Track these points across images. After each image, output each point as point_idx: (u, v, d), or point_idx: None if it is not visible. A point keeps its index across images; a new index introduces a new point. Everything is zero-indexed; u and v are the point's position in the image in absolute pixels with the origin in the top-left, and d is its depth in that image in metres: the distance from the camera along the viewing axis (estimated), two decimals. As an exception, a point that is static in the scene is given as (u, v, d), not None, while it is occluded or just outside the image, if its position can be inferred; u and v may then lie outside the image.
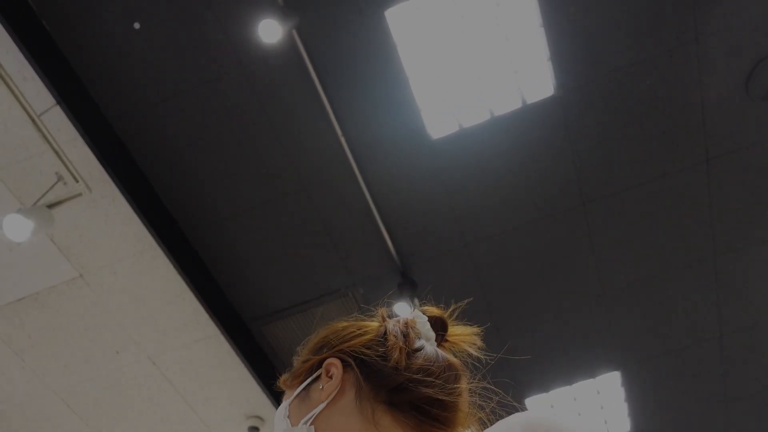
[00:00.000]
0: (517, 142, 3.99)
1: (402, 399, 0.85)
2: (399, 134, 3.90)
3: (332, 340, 0.94)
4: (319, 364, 0.91)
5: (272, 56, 3.56)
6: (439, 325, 0.99)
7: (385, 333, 0.92)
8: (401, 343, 0.89)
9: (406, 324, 0.94)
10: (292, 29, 3.33)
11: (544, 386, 5.31)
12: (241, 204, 4.10)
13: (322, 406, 0.86)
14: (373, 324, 0.96)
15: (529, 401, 5.37)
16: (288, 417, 0.89)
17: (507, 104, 3.86)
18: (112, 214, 4.12)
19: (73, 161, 3.79)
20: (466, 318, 1.01)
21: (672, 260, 4.57)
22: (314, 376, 0.91)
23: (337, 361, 0.89)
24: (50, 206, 3.24)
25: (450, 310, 1.03)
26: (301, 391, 0.91)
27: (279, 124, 3.82)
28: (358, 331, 0.93)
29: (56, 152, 3.21)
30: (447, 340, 1.00)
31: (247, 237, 4.24)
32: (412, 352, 0.89)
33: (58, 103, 3.42)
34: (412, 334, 0.92)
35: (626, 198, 4.24)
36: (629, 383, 5.31)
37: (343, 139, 3.85)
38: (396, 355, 0.88)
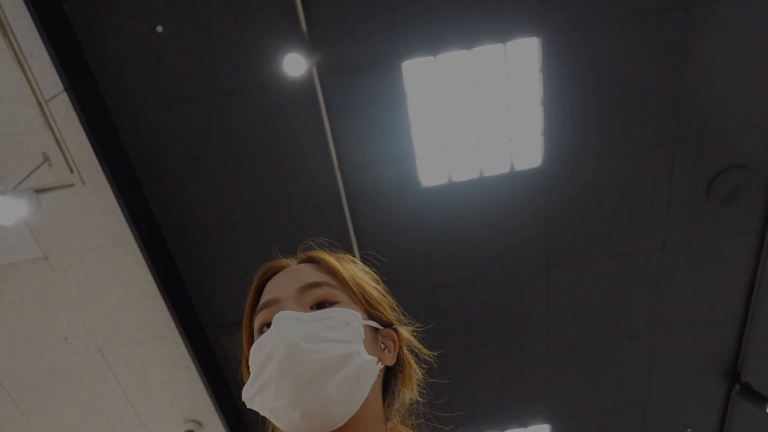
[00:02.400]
0: (498, 202, 4.23)
1: (395, 379, 0.90)
2: (392, 175, 4.06)
3: (393, 314, 0.94)
4: (386, 324, 0.90)
5: (287, 83, 3.66)
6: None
7: (402, 361, 0.94)
8: (417, 379, 0.95)
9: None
10: (313, 65, 3.44)
11: (478, 428, 5.55)
12: (226, 216, 4.14)
13: (380, 366, 0.83)
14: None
15: (462, 441, 5.59)
16: (364, 339, 0.81)
17: (496, 167, 4.10)
18: (92, 203, 4.07)
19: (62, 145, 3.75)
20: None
21: (615, 331, 4.93)
22: (380, 327, 0.88)
23: (398, 343, 0.90)
24: (39, 191, 3.18)
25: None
26: (372, 327, 0.85)
27: (279, 148, 3.91)
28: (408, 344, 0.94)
29: (57, 139, 3.18)
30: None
31: (224, 248, 4.28)
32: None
33: (66, 89, 3.39)
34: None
35: (586, 269, 4.56)
36: (556, 437, 5.63)
37: (338, 173, 3.98)
38: (409, 388, 0.96)
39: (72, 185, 3.44)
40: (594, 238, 4.43)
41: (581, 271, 4.56)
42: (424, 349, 1.02)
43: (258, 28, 3.53)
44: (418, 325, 1.04)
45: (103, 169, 3.70)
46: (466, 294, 4.61)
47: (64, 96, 3.52)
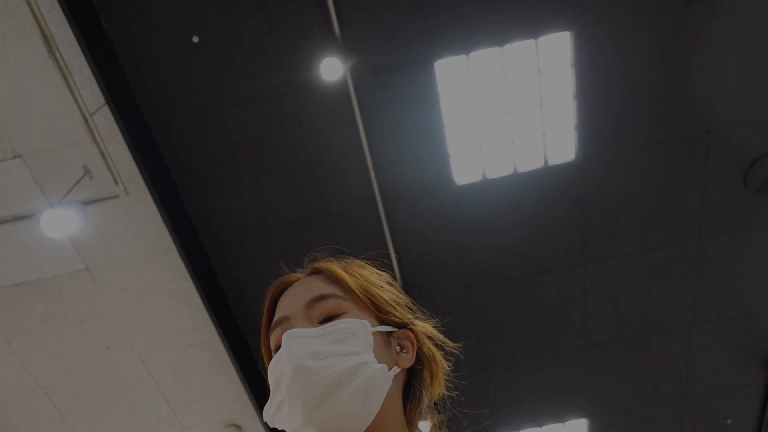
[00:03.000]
0: (533, 198, 4.23)
1: (418, 380, 0.85)
2: (427, 175, 4.08)
3: (413, 315, 0.90)
4: (400, 325, 0.85)
5: (321, 88, 3.70)
6: None
7: (424, 359, 0.90)
8: (445, 373, 0.91)
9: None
10: (348, 68, 3.48)
11: (515, 425, 5.55)
12: (263, 221, 4.19)
13: (397, 369, 0.80)
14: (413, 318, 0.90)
15: (499, 439, 5.60)
16: (373, 348, 0.78)
17: (530, 162, 4.11)
18: (132, 213, 4.14)
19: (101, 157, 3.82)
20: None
21: (651, 324, 4.90)
22: (394, 330, 0.84)
23: (415, 343, 0.86)
24: (85, 204, 3.24)
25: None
26: (383, 332, 0.82)
27: (314, 151, 3.95)
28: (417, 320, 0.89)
29: (101, 152, 3.25)
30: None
31: (262, 252, 4.33)
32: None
33: (107, 102, 3.46)
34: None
35: (622, 263, 4.54)
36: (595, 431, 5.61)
37: (372, 173, 4.01)
38: (436, 384, 0.91)
39: (117, 196, 3.51)
40: (629, 231, 4.41)
41: (617, 265, 4.55)
42: (449, 342, 0.97)
43: (292, 33, 3.57)
44: (437, 320, 1.00)
45: (144, 180, 3.76)
46: (501, 291, 4.62)
47: (105, 109, 3.59)
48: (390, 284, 0.93)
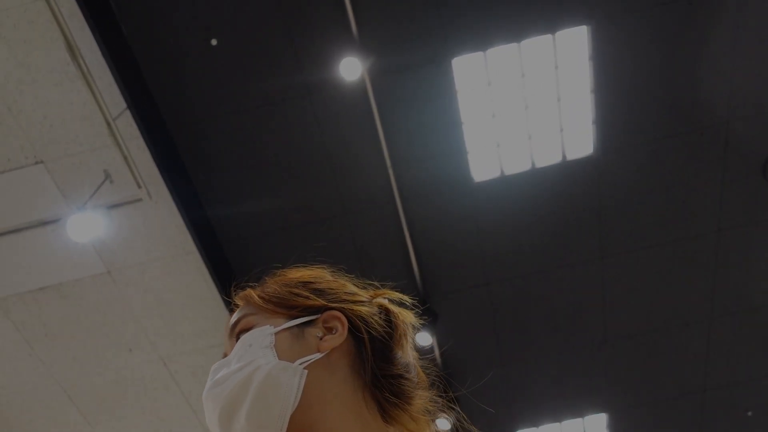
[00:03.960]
0: (551, 193, 4.23)
1: (384, 392, 0.78)
2: (445, 173, 4.09)
3: (337, 292, 0.83)
4: (318, 310, 0.80)
5: (339, 87, 3.71)
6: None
7: (388, 314, 0.84)
8: (407, 331, 0.83)
9: (403, 314, 0.86)
10: (366, 68, 3.49)
11: (534, 421, 5.55)
12: (282, 222, 4.21)
13: (318, 355, 0.75)
14: (365, 294, 0.87)
15: (519, 435, 5.60)
16: (274, 346, 0.75)
17: (548, 158, 4.11)
18: (151, 216, 4.17)
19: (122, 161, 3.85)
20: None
21: (672, 317, 4.89)
22: (311, 318, 0.79)
23: (344, 319, 0.79)
24: (109, 208, 3.27)
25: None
26: (293, 327, 0.78)
27: (333, 151, 3.96)
28: (362, 298, 0.84)
29: (125, 156, 3.27)
30: None
31: (282, 253, 4.34)
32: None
33: (128, 107, 3.48)
34: (410, 326, 0.86)
35: (641, 257, 4.53)
36: (614, 426, 5.60)
37: (391, 172, 4.02)
38: (402, 343, 0.82)
39: (140, 200, 3.53)
40: (648, 224, 4.40)
41: (636, 259, 4.54)
42: (406, 298, 0.89)
43: (309, 34, 3.58)
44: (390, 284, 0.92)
45: (165, 183, 3.79)
46: (520, 287, 4.62)
47: (125, 114, 3.62)
48: (316, 276, 0.88)
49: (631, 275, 4.61)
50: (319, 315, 0.79)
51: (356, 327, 0.79)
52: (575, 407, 5.47)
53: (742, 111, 3.99)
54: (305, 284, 0.84)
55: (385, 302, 0.86)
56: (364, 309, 0.81)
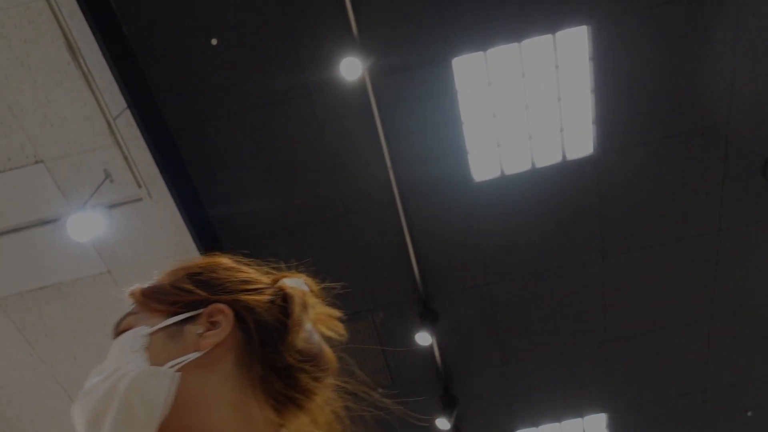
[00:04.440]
0: (551, 193, 4.23)
1: (279, 384, 0.72)
2: (445, 173, 4.09)
3: (225, 283, 0.76)
4: (202, 303, 0.73)
5: (340, 87, 3.71)
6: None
7: (286, 299, 0.76)
8: (304, 321, 0.75)
9: (305, 296, 0.79)
10: (367, 68, 3.49)
11: (534, 421, 5.55)
12: (283, 221, 4.21)
13: (196, 354, 0.69)
14: (264, 280, 0.79)
15: (519, 435, 5.60)
16: (146, 349, 0.69)
17: (548, 157, 4.10)
18: (151, 216, 4.17)
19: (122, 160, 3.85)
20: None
21: (672, 317, 4.89)
22: (192, 313, 0.73)
23: (229, 311, 0.72)
24: (109, 207, 3.27)
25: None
26: (171, 325, 0.72)
27: (333, 151, 3.96)
28: (257, 286, 0.77)
29: (125, 156, 3.27)
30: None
31: (281, 253, 4.34)
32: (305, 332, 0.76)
33: (129, 106, 3.48)
34: (311, 309, 0.79)
35: (641, 256, 4.53)
36: (614, 426, 5.60)
37: (391, 172, 4.02)
38: (295, 333, 0.74)
39: (140, 200, 3.53)
40: (648, 224, 4.40)
41: (637, 259, 4.54)
42: (313, 285, 0.83)
43: (310, 34, 3.58)
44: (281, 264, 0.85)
45: (165, 182, 3.79)
46: (520, 287, 4.62)
47: (125, 113, 3.62)
48: (207, 266, 0.80)
49: (632, 275, 4.61)
50: (203, 309, 0.73)
51: (245, 318, 0.73)
52: (575, 407, 5.47)
53: (743, 111, 3.99)
54: (192, 276, 0.77)
55: (287, 286, 0.79)
56: (254, 298, 0.74)
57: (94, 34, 3.27)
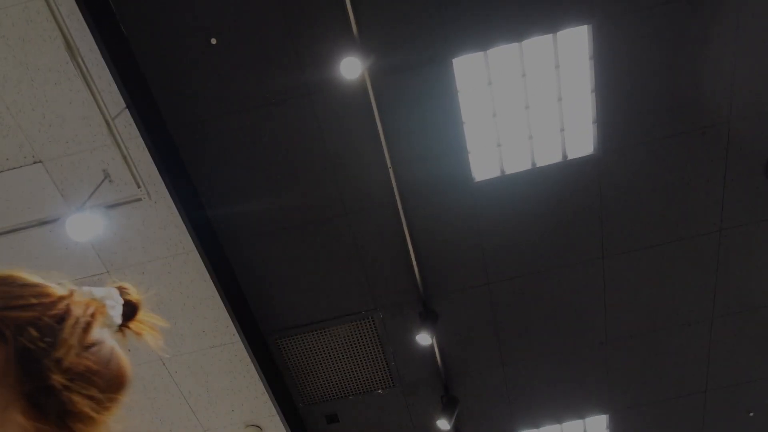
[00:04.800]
0: (551, 192, 4.21)
1: (48, 402, 0.67)
2: (445, 173, 4.07)
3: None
4: None
5: (339, 87, 3.70)
6: (130, 312, 0.82)
7: (64, 318, 0.72)
8: (77, 339, 0.71)
9: (94, 313, 0.75)
10: (367, 68, 3.47)
11: (535, 422, 5.53)
12: (282, 222, 4.19)
13: None
14: (53, 292, 0.75)
15: (520, 435, 5.58)
16: None
17: (549, 157, 4.09)
18: (151, 216, 4.16)
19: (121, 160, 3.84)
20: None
21: (673, 317, 4.87)
22: None
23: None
24: (109, 207, 3.26)
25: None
26: None
27: (333, 151, 3.95)
28: (33, 301, 0.72)
29: (124, 156, 3.26)
30: (129, 327, 0.83)
31: (281, 253, 4.33)
32: (86, 348, 0.72)
33: (128, 106, 3.47)
34: (95, 325, 0.74)
35: (642, 256, 4.52)
36: (615, 427, 5.58)
37: (391, 172, 4.00)
38: (64, 351, 0.69)
39: (139, 200, 3.52)
40: (649, 224, 4.38)
41: (637, 259, 4.52)
42: (134, 294, 0.81)
43: (310, 34, 3.57)
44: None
45: (164, 182, 3.77)
46: (521, 287, 4.60)
47: (125, 113, 3.61)
48: None
49: (632, 275, 4.60)
50: None
51: (5, 336, 0.68)
52: (576, 408, 5.45)
53: (744, 110, 3.97)
54: None
55: (75, 301, 0.74)
56: (17, 315, 0.69)
57: (93, 33, 3.26)
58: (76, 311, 0.73)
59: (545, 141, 4.04)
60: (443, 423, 4.83)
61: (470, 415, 5.37)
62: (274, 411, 5.10)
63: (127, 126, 3.75)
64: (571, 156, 4.09)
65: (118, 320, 0.79)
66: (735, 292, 4.75)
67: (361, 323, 4.71)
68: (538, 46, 3.70)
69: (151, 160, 3.77)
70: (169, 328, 4.65)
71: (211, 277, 4.19)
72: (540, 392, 5.29)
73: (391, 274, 4.50)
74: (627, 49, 3.73)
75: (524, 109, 3.92)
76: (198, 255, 4.16)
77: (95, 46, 3.38)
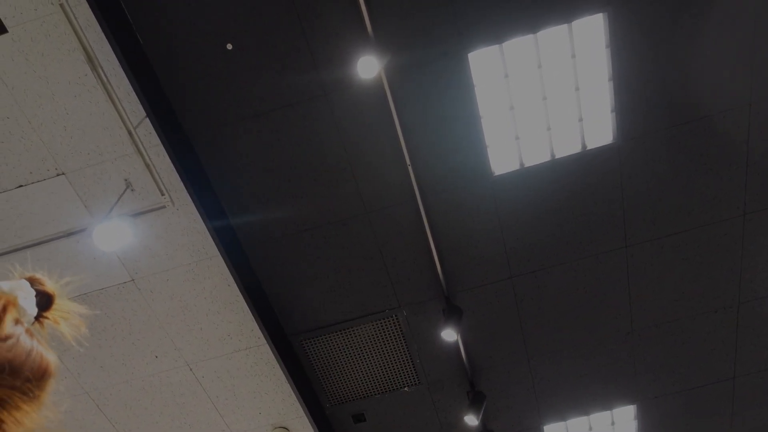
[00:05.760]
0: (572, 183, 4.19)
1: None
2: (464, 168, 4.06)
3: None
4: None
5: (356, 87, 3.70)
6: (44, 302, 0.81)
7: None
8: None
9: (5, 306, 0.75)
10: (383, 66, 3.47)
11: (561, 415, 5.50)
12: (303, 223, 4.21)
13: None
14: None
15: (547, 428, 5.56)
16: None
17: (568, 148, 4.06)
18: (173, 223, 4.19)
19: (142, 169, 3.87)
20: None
21: (699, 304, 4.82)
22: None
23: None
24: (134, 216, 3.29)
25: (61, 283, 0.85)
26: None
27: (351, 151, 3.95)
28: None
29: (147, 164, 3.28)
30: (46, 317, 0.82)
31: (303, 254, 4.35)
32: (1, 341, 0.72)
33: (148, 115, 3.50)
34: (8, 319, 0.74)
35: (666, 244, 4.48)
36: (643, 417, 5.54)
37: (410, 169, 4.00)
38: None
39: (163, 207, 3.54)
40: (672, 211, 4.34)
41: (661, 246, 4.48)
42: (48, 285, 0.80)
43: (324, 34, 3.57)
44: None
45: (186, 189, 3.80)
46: (544, 280, 4.58)
47: (145, 122, 3.64)
48: None
49: (656, 263, 4.56)
50: None
51: None
52: (603, 399, 5.42)
53: (765, 92, 3.92)
54: None
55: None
56: None
57: (111, 44, 3.28)
58: None
59: (564, 132, 4.01)
60: (471, 418, 4.82)
61: (496, 409, 5.36)
62: (301, 412, 5.12)
63: (146, 135, 3.78)
64: (590, 146, 4.06)
65: (33, 311, 0.78)
66: (761, 276, 4.69)
67: (385, 322, 4.72)
68: (553, 36, 3.68)
69: (170, 167, 3.80)
70: (195, 333, 4.68)
71: (235, 282, 4.22)
72: (566, 385, 5.26)
73: (413, 272, 4.50)
74: (644, 35, 3.70)
75: (542, 101, 3.90)
76: (221, 260, 4.19)
77: (111, 57, 3.41)
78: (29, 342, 0.75)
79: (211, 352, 4.78)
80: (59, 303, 0.82)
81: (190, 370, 4.88)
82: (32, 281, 0.80)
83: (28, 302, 0.78)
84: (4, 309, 0.73)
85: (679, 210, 4.34)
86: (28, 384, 0.72)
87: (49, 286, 0.82)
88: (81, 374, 4.85)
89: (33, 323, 0.79)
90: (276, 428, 5.29)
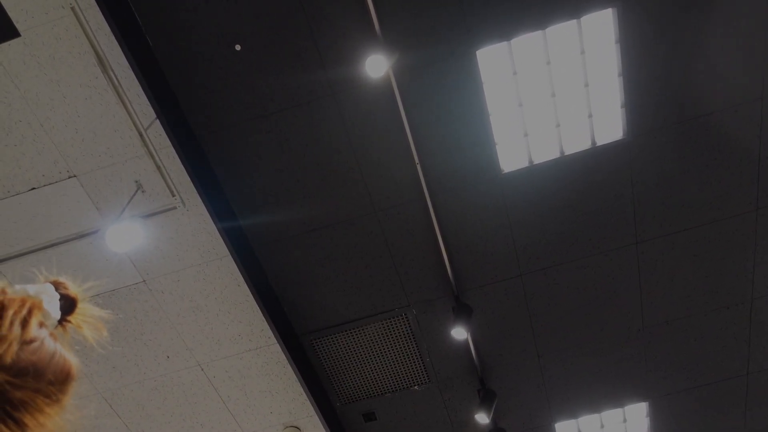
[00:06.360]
0: (582, 180, 4.17)
1: None
2: (473, 166, 4.06)
3: None
4: None
5: (364, 86, 3.71)
6: (68, 306, 0.82)
7: (0, 316, 0.73)
8: (15, 336, 0.71)
9: (31, 308, 0.75)
10: (391, 65, 3.47)
11: (573, 413, 5.49)
12: (312, 223, 4.22)
13: None
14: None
15: (558, 426, 5.54)
16: None
17: (577, 144, 4.05)
18: (184, 223, 4.21)
19: (152, 170, 3.90)
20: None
21: (711, 300, 4.79)
22: None
23: None
24: (145, 217, 3.31)
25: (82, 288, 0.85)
26: None
27: (359, 150, 3.96)
28: None
29: (158, 165, 3.30)
30: (69, 321, 0.83)
31: (312, 254, 4.36)
32: (26, 344, 0.72)
33: (158, 116, 3.52)
34: (33, 322, 0.74)
35: (677, 240, 4.45)
36: (655, 414, 5.51)
37: (419, 167, 4.00)
38: (3, 349, 0.69)
39: (174, 208, 3.57)
40: (683, 207, 4.32)
41: (672, 242, 4.46)
42: (71, 289, 0.81)
43: (332, 35, 3.58)
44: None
45: (196, 189, 3.82)
46: (554, 277, 4.57)
47: (155, 124, 3.66)
48: None
49: (667, 259, 4.53)
50: None
51: None
52: (614, 397, 5.40)
53: (776, 86, 3.89)
54: None
55: (7, 297, 0.75)
56: None
57: (122, 47, 3.31)
58: (12, 308, 0.73)
59: (573, 128, 4.00)
60: (482, 417, 4.81)
61: (507, 408, 5.35)
62: (312, 411, 5.14)
63: (156, 136, 3.81)
64: (600, 142, 4.04)
65: (57, 315, 0.79)
66: (774, 271, 4.65)
67: (394, 320, 4.72)
68: (562, 32, 3.66)
69: (180, 169, 3.81)
70: (206, 334, 4.71)
71: (245, 282, 4.23)
72: (577, 382, 5.24)
73: (422, 270, 4.50)
74: (653, 30, 3.68)
75: (550, 97, 3.88)
76: (231, 260, 4.21)
77: (122, 60, 3.43)
78: (53, 345, 0.76)
79: (222, 352, 4.80)
80: (82, 307, 0.84)
81: (202, 370, 4.90)
82: (56, 285, 0.81)
83: (53, 306, 0.78)
84: (30, 312, 0.74)
85: (691, 206, 4.32)
86: (51, 387, 0.73)
87: (73, 290, 0.83)
88: (93, 375, 4.88)
89: (56, 327, 0.80)
90: (287, 427, 5.31)
